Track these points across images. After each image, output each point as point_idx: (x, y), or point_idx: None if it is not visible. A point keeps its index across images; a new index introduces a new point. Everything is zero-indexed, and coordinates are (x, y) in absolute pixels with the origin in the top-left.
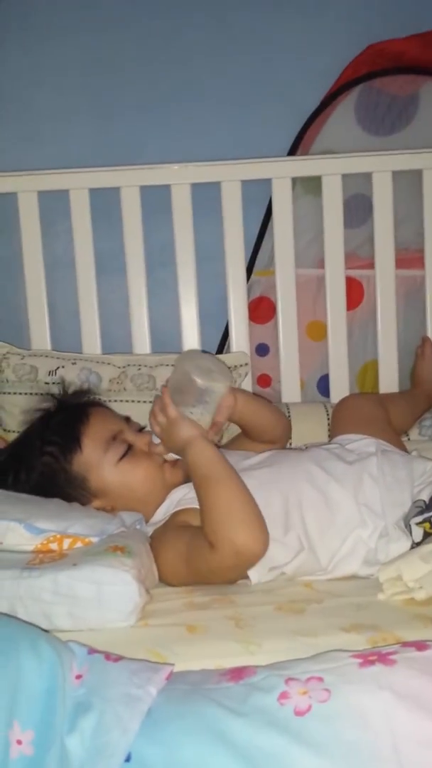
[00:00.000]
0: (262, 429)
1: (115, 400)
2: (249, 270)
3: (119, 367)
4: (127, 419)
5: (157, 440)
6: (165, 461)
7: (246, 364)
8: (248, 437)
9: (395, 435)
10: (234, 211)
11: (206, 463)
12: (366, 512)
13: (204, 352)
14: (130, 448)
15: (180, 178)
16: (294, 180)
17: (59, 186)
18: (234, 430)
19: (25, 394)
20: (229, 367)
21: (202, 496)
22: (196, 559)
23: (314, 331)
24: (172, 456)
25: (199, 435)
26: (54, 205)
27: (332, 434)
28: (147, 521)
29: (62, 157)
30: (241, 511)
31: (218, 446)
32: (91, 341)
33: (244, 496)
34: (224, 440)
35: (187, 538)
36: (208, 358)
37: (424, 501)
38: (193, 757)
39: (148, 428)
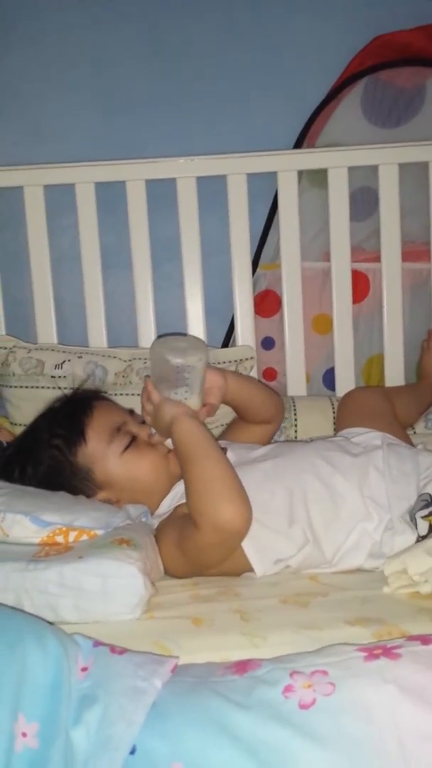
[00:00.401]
0: (255, 409)
1: (121, 394)
2: (254, 263)
3: (125, 361)
4: (131, 412)
5: (154, 430)
6: (169, 451)
7: (252, 358)
8: (243, 419)
9: (401, 428)
10: (240, 204)
11: (188, 440)
12: (371, 505)
13: (177, 334)
14: (134, 440)
15: (185, 171)
16: (300, 173)
17: (65, 180)
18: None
19: (32, 387)
20: (235, 361)
21: (184, 474)
22: (185, 542)
23: (320, 325)
24: (170, 444)
25: (181, 413)
26: (60, 199)
27: (338, 428)
28: (152, 513)
29: (68, 151)
30: (222, 486)
31: (219, 438)
32: (97, 335)
33: (224, 471)
34: (219, 427)
35: (179, 526)
36: (179, 338)
37: (430, 494)
38: (198, 750)
39: None
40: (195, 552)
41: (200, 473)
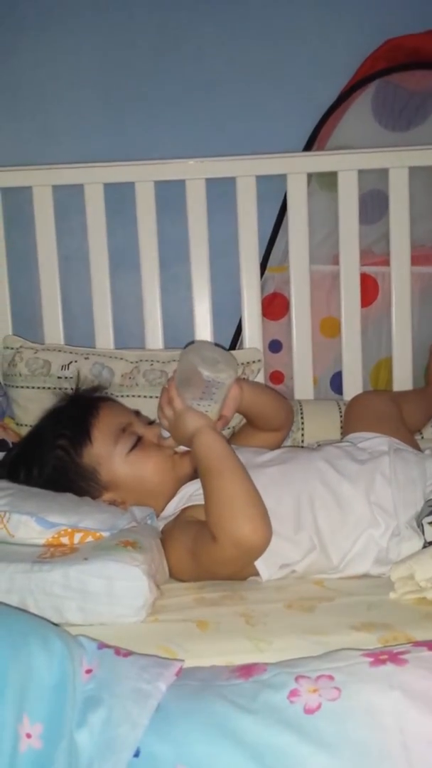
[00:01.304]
0: (267, 418)
1: (128, 395)
2: (263, 266)
3: (132, 362)
4: (137, 413)
5: (166, 434)
6: (175, 452)
7: (259, 361)
8: (253, 426)
9: (408, 433)
10: (248, 206)
11: (211, 455)
12: (378, 511)
13: (211, 343)
14: (139, 440)
15: (195, 173)
16: (309, 175)
17: (74, 180)
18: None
19: (38, 388)
20: (242, 364)
21: (206, 488)
22: (200, 552)
23: (328, 328)
24: (182, 448)
25: (205, 426)
26: (68, 199)
27: (345, 432)
28: (158, 515)
29: (77, 151)
30: (244, 503)
31: (227, 440)
32: (104, 336)
33: (247, 488)
34: (226, 430)
35: (193, 533)
36: (214, 349)
37: None
38: (202, 754)
39: (157, 421)
40: (209, 564)
41: (223, 488)
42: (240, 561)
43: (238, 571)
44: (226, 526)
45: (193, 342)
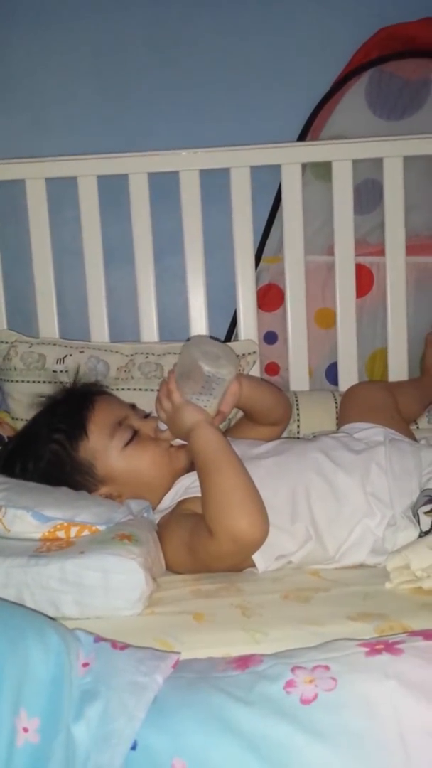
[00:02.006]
0: (265, 412)
1: (123, 389)
2: (257, 257)
3: (127, 356)
4: (133, 406)
5: (163, 426)
6: (171, 446)
7: (254, 352)
8: (251, 420)
9: (404, 423)
10: (243, 197)
11: (209, 450)
12: (374, 501)
13: (212, 338)
14: (135, 434)
15: (188, 164)
16: (304, 166)
17: (67, 173)
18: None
19: (33, 382)
20: (238, 355)
21: (203, 482)
22: (197, 547)
23: (323, 319)
24: (178, 441)
25: (203, 421)
26: (62, 192)
27: (340, 422)
28: (154, 508)
29: (70, 143)
30: (241, 497)
31: (224, 433)
32: (99, 329)
33: (245, 483)
34: (225, 424)
35: (190, 526)
36: (215, 345)
37: None
38: (199, 745)
39: (154, 414)
40: (206, 558)
41: (220, 483)
42: (237, 555)
43: (235, 565)
44: (223, 520)
45: (194, 336)
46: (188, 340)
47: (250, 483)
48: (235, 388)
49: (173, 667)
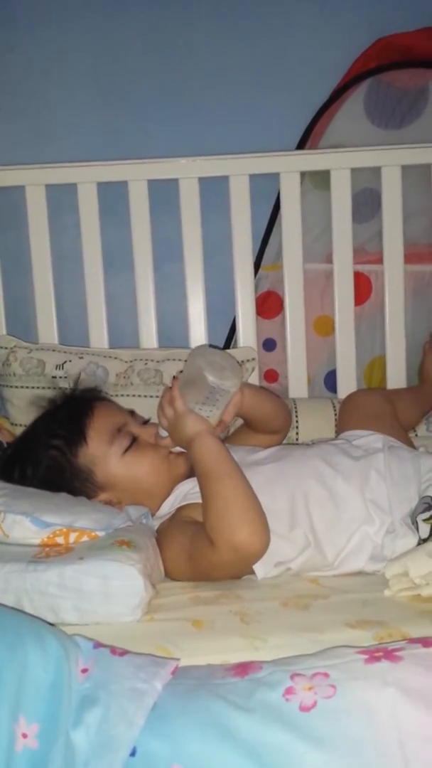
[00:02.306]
0: (266, 421)
1: (122, 395)
2: (256, 264)
3: (126, 362)
4: (132, 412)
5: (164, 433)
6: (170, 453)
7: (253, 359)
8: (252, 429)
9: (402, 431)
10: (242, 205)
11: (210, 459)
12: (372, 508)
13: (217, 348)
14: (135, 440)
15: (188, 172)
16: (302, 174)
17: (67, 179)
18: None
19: (32, 387)
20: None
21: (204, 492)
22: (197, 555)
23: (322, 327)
24: (178, 448)
25: (205, 430)
26: (61, 198)
27: (339, 430)
28: (153, 514)
29: (70, 150)
30: (242, 508)
31: (223, 440)
32: (98, 335)
33: (246, 493)
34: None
35: (190, 534)
36: (222, 355)
37: (431, 497)
38: (198, 752)
39: (153, 420)
40: (206, 567)
41: (221, 493)
42: (237, 566)
43: (235, 575)
44: (224, 530)
45: (200, 345)
46: (194, 348)
47: (252, 493)
48: (238, 399)
49: (172, 674)
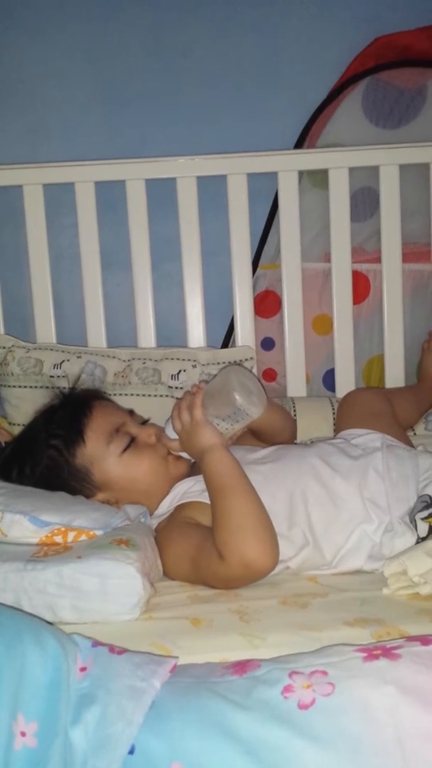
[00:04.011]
0: (272, 435)
1: (120, 394)
2: (255, 264)
3: (124, 361)
4: (131, 412)
5: (173, 435)
6: (169, 453)
7: (251, 359)
8: (255, 437)
9: (401, 430)
10: (240, 204)
11: (225, 474)
12: (371, 507)
13: (251, 372)
14: (133, 441)
15: (186, 171)
16: (300, 173)
17: (65, 179)
18: None
19: (30, 387)
20: (235, 362)
21: (216, 506)
22: (203, 565)
23: (320, 326)
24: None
25: (220, 444)
26: (59, 198)
27: (337, 429)
28: (151, 514)
29: (68, 149)
30: (255, 524)
31: None
32: (97, 335)
33: (260, 511)
34: None
35: (196, 540)
36: (253, 380)
37: (430, 496)
38: (197, 750)
39: (152, 421)
40: (212, 579)
41: (234, 508)
42: (245, 581)
43: (241, 587)
44: (238, 546)
45: (235, 365)
46: (229, 365)
47: (264, 511)
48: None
49: (171, 672)
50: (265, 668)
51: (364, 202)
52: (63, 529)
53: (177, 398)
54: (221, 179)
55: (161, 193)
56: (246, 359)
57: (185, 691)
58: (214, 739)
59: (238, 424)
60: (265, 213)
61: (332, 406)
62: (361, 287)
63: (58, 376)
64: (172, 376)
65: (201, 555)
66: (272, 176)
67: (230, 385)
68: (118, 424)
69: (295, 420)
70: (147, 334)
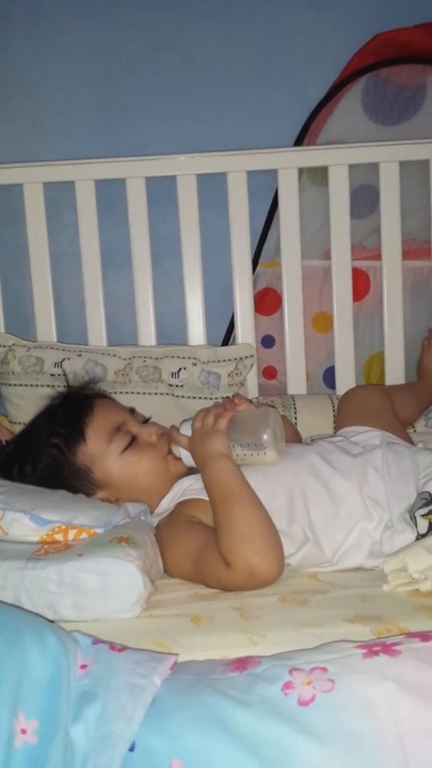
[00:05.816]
0: None
1: (121, 392)
2: (255, 261)
3: (125, 359)
4: (132, 410)
5: (188, 431)
6: (169, 452)
7: (252, 356)
8: None
9: (401, 427)
10: (240, 201)
11: (232, 481)
12: (371, 504)
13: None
14: (134, 440)
15: (186, 168)
16: (300, 170)
17: (65, 177)
18: None
19: (31, 386)
20: (235, 359)
21: (221, 512)
22: (206, 569)
23: (320, 323)
24: (180, 452)
25: (228, 455)
26: (60, 196)
27: (338, 426)
28: (151, 512)
29: (68, 148)
30: (262, 533)
31: None
32: (97, 333)
33: (266, 519)
34: None
35: (199, 542)
36: (283, 430)
37: (429, 493)
38: (197, 747)
39: (152, 419)
40: (215, 583)
41: (243, 517)
42: (249, 587)
43: (242, 591)
44: (244, 555)
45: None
46: (273, 408)
47: (271, 520)
48: None
49: (171, 669)
50: (265, 665)
51: (364, 199)
52: (63, 527)
53: (177, 396)
54: (221, 177)
55: (161, 191)
56: (246, 357)
57: (186, 688)
58: (214, 736)
59: (249, 458)
60: (265, 210)
61: (332, 403)
62: (361, 284)
63: (59, 375)
64: (172, 374)
65: (204, 558)
66: (272, 174)
67: (266, 420)
68: (119, 423)
69: (296, 414)
70: (147, 332)
